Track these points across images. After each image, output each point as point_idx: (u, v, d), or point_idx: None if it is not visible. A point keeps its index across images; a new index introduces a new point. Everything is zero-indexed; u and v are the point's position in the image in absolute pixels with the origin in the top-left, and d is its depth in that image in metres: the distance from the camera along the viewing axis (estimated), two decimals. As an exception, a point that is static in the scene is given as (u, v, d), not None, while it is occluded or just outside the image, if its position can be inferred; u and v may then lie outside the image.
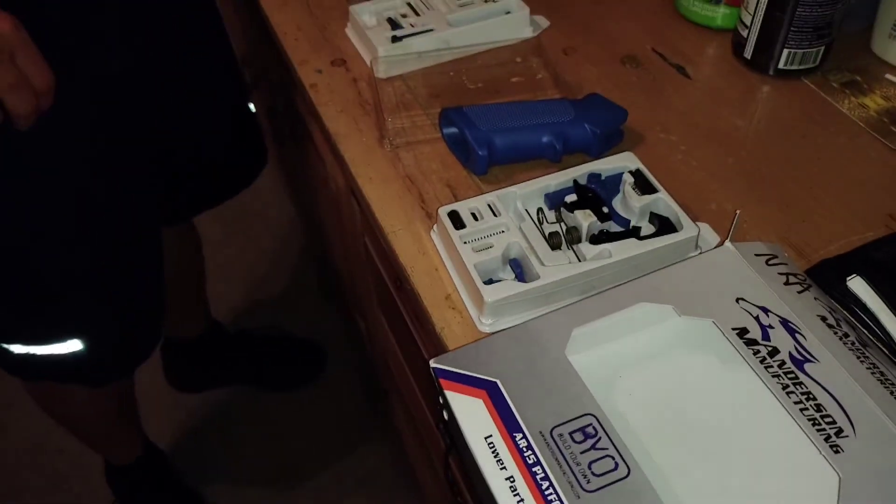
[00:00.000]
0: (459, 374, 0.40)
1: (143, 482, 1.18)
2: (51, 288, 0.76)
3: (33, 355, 0.79)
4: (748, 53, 0.65)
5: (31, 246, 0.72)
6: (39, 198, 0.71)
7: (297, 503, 1.23)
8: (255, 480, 1.26)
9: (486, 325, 0.47)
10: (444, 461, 0.69)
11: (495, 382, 0.39)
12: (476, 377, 0.39)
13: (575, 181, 0.53)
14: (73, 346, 0.79)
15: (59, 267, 0.75)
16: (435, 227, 0.54)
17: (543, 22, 0.72)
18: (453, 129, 0.59)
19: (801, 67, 0.64)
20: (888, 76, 0.65)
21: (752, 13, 0.63)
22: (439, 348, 0.49)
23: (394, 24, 0.69)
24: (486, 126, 0.56)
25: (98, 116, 0.72)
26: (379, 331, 0.93)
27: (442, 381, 0.40)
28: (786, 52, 0.63)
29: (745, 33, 0.65)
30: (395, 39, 0.67)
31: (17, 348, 0.79)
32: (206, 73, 0.87)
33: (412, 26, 0.68)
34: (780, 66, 0.64)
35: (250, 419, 1.34)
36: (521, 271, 0.49)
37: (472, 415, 0.38)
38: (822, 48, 0.63)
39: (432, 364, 0.41)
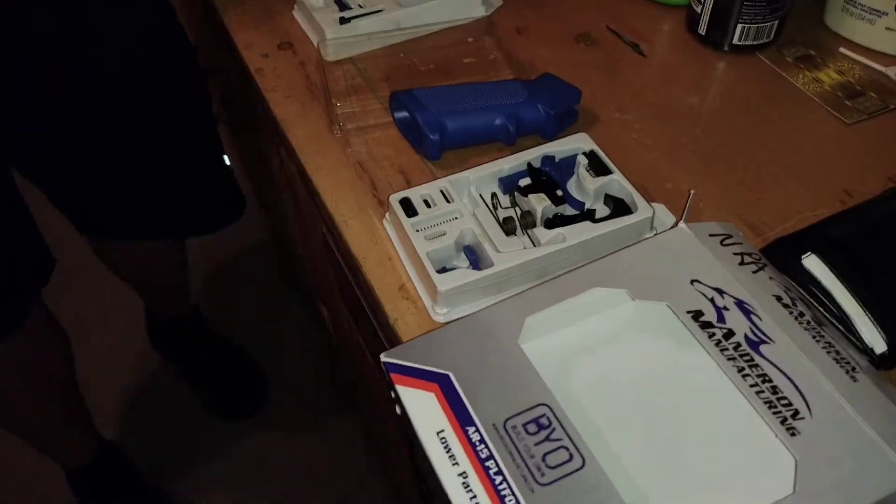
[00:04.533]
0: (410, 367, 0.38)
1: (100, 482, 1.15)
2: None
3: None
4: (702, 29, 0.64)
5: None
6: None
7: (265, 493, 1.21)
8: (223, 473, 1.24)
9: (440, 314, 0.46)
10: (410, 451, 0.68)
11: (447, 375, 0.38)
12: (428, 370, 0.38)
13: (528, 164, 0.52)
14: None
15: None
16: (387, 214, 0.52)
17: (496, 1, 0.70)
18: (404, 113, 0.57)
19: (756, 42, 0.63)
20: (842, 50, 0.64)
21: (706, -12, 0.62)
22: (393, 340, 0.48)
23: (342, 5, 0.66)
24: (438, 109, 0.54)
25: None
26: (342, 321, 0.92)
27: (393, 375, 0.38)
28: (740, 27, 0.62)
29: (698, 9, 0.64)
30: (343, 21, 0.64)
31: None
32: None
33: (360, 7, 0.66)
34: (735, 41, 0.63)
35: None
36: (475, 258, 0.48)
37: (423, 409, 0.37)
38: (776, 22, 0.62)
39: (383, 358, 0.39)
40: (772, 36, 0.63)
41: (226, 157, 0.98)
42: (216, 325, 1.37)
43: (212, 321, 1.36)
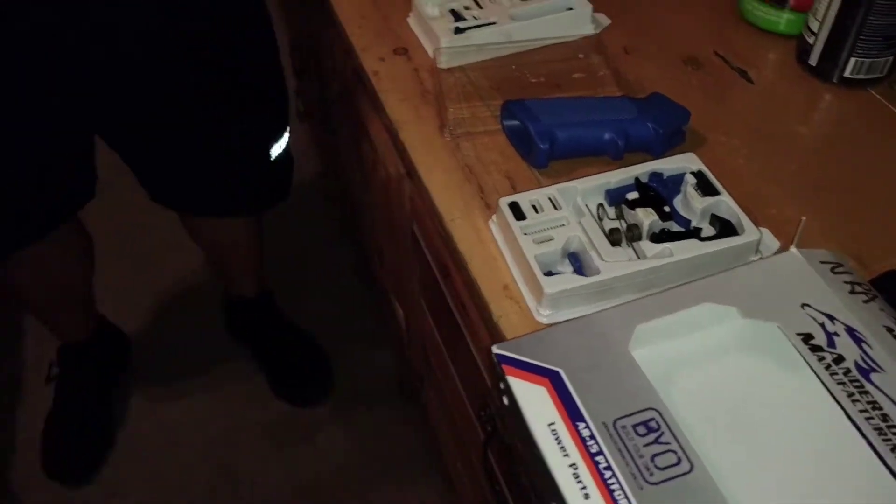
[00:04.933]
0: (522, 361, 0.40)
1: (88, 358, 1.31)
2: None
3: None
4: (813, 60, 0.65)
5: None
6: None
7: (321, 484, 1.25)
8: (280, 453, 1.28)
9: (543, 315, 0.48)
10: (483, 450, 0.69)
11: (558, 372, 0.39)
12: (539, 365, 0.40)
13: (637, 179, 0.53)
14: None
15: None
16: (494, 216, 0.54)
17: (604, 20, 0.72)
18: (515, 122, 0.59)
19: (868, 77, 0.63)
20: (957, 90, 0.64)
21: (821, 20, 0.63)
22: (496, 337, 0.50)
23: (457, 16, 0.69)
24: (549, 120, 0.56)
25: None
26: (419, 317, 0.94)
27: (505, 367, 0.40)
28: (853, 60, 0.62)
29: (811, 40, 0.64)
30: (457, 31, 0.67)
31: None
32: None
33: (475, 18, 0.69)
34: (846, 74, 0.63)
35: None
36: (579, 265, 0.50)
37: (534, 402, 0.38)
38: (891, 58, 0.62)
39: (495, 350, 0.41)
40: (885, 71, 0.63)
41: (277, 149, 1.02)
42: (288, 312, 1.42)
43: (284, 309, 1.41)
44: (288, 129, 1.04)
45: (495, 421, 0.66)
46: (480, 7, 0.70)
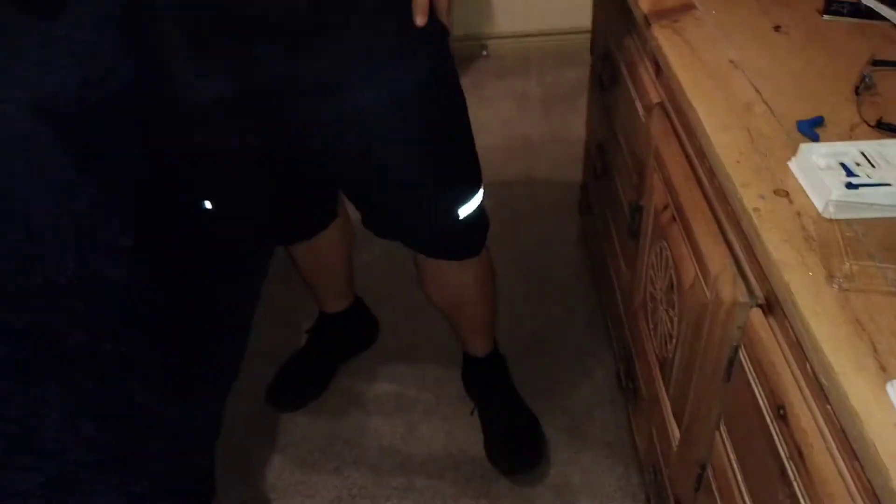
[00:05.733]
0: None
1: (333, 329, 1.59)
2: None
3: None
4: None
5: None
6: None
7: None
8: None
9: (956, 501, 0.46)
10: None
11: None
12: None
13: None
14: None
15: None
16: (894, 382, 0.54)
17: None
18: (920, 291, 0.59)
19: None
20: None
21: None
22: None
23: (846, 170, 0.71)
24: (966, 298, 0.55)
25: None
26: (705, 445, 0.93)
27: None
28: None
29: None
30: (850, 186, 0.69)
31: None
32: None
33: (867, 176, 0.70)
34: None
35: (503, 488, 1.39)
36: None
37: None
38: None
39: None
40: None
41: (466, 211, 1.11)
42: (530, 398, 1.47)
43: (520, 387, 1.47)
44: (480, 191, 1.14)
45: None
46: (872, 165, 0.71)
